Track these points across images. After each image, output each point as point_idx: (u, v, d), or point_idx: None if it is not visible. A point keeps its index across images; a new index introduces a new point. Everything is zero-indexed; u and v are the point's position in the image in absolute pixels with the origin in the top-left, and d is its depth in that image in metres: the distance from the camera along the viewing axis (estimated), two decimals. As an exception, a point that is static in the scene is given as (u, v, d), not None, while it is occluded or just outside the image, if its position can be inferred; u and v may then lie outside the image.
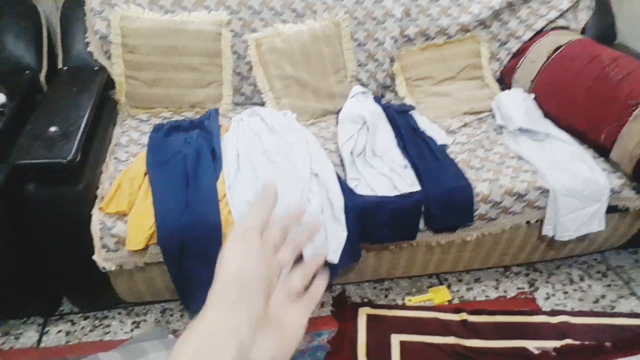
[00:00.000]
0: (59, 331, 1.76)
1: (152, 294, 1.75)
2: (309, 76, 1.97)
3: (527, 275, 2.03)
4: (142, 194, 1.57)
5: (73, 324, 1.78)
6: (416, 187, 1.64)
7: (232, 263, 0.41)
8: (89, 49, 1.90)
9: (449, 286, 1.97)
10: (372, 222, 1.61)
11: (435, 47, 2.12)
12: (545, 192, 1.70)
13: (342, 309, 1.84)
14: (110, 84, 1.91)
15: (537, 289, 1.98)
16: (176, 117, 1.93)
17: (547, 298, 1.94)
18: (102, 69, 1.90)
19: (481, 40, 2.15)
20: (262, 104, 2.01)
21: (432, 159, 1.74)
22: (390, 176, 1.67)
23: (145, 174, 1.63)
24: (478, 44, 2.15)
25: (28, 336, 1.74)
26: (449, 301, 1.90)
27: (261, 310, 0.40)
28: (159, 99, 1.92)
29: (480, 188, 1.67)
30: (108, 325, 1.78)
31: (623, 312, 1.91)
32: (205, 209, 1.53)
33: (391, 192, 1.62)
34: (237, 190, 1.58)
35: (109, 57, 1.89)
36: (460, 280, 1.99)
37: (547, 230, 1.77)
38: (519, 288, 1.97)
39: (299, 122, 1.92)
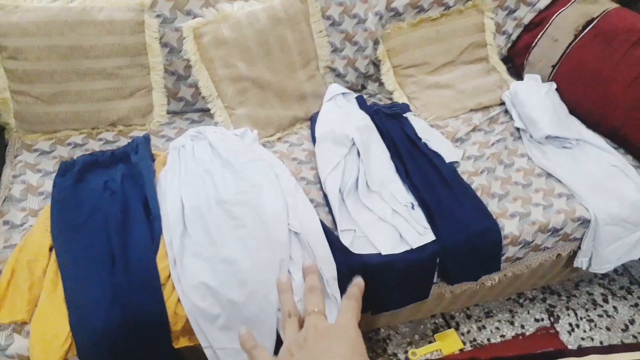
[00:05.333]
0: None
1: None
2: (271, 74, 1.46)
3: (543, 300, 1.71)
4: (48, 285, 1.08)
5: None
6: (430, 235, 1.23)
7: None
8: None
9: (457, 326, 1.62)
10: (375, 289, 1.20)
11: (430, 21, 1.64)
12: (585, 222, 1.33)
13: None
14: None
15: (557, 318, 1.66)
16: (92, 143, 1.40)
17: (571, 330, 1.63)
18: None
19: (485, 9, 1.68)
20: (208, 111, 1.49)
21: (443, 189, 1.32)
22: (395, 222, 1.24)
23: (51, 249, 1.13)
24: (482, 14, 1.68)
25: None
26: (461, 350, 1.56)
27: None
28: (64, 119, 1.37)
29: (509, 228, 1.28)
30: None
31: (660, 344, 1.64)
32: (142, 300, 1.07)
33: (399, 247, 1.20)
34: (186, 267, 1.11)
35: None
36: (469, 317, 1.65)
37: (581, 262, 1.43)
38: (537, 320, 1.65)
39: (262, 141, 1.43)
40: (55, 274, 1.09)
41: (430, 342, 1.57)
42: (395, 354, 1.54)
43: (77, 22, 1.28)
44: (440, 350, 1.55)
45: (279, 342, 1.13)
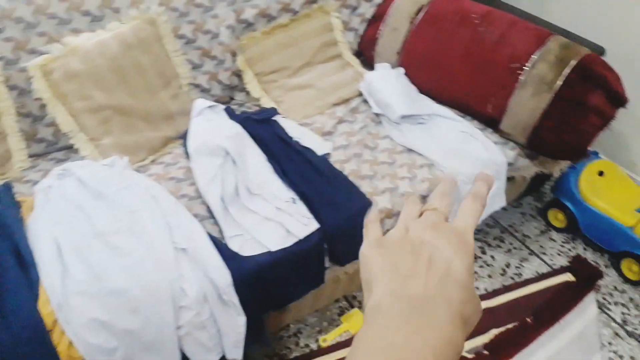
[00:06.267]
0: None
1: None
2: (132, 99, 1.45)
3: (433, 264, 1.87)
4: None
5: None
6: (314, 224, 1.30)
7: None
8: None
9: (359, 305, 1.72)
10: (273, 286, 1.25)
11: (281, 27, 1.72)
12: (447, 185, 1.49)
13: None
14: None
15: (447, 277, 1.83)
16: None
17: (460, 285, 1.80)
18: None
19: (330, 10, 1.80)
20: (73, 147, 1.44)
21: (319, 179, 1.40)
22: (280, 219, 1.30)
23: None
24: (328, 14, 1.80)
25: None
26: (368, 326, 1.65)
27: None
28: None
29: (382, 203, 1.39)
30: None
31: (531, 278, 1.87)
32: (30, 350, 1.02)
33: (287, 241, 1.26)
34: (73, 307, 1.08)
35: None
36: (370, 294, 1.75)
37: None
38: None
39: (134, 167, 1.42)
40: None
41: (337, 325, 1.65)
42: (307, 345, 1.60)
43: None
44: (348, 330, 1.64)
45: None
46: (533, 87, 1.46)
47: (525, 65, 1.46)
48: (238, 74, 1.71)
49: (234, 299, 1.15)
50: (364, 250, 0.37)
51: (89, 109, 1.39)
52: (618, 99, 1.44)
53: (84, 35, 1.39)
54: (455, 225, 0.37)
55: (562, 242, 2.05)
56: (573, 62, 1.42)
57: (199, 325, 1.12)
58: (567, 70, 1.42)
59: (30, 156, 1.44)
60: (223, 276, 1.16)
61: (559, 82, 1.41)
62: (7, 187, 1.27)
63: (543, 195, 2.25)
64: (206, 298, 1.14)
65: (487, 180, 0.41)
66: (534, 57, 1.46)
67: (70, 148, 1.47)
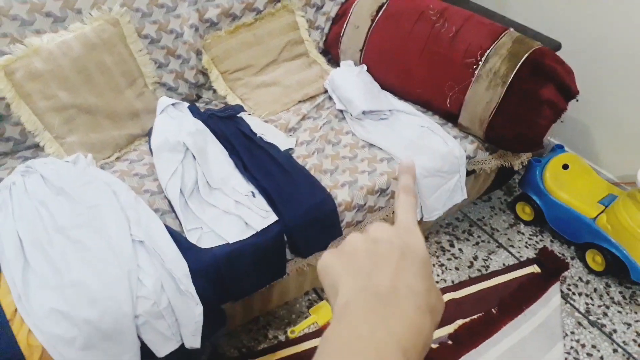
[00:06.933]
0: None
1: None
2: (96, 98, 1.48)
3: (401, 257, 1.91)
4: None
5: None
6: (272, 217, 1.34)
7: None
8: None
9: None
10: (231, 277, 1.28)
11: (246, 27, 1.76)
12: (407, 178, 1.53)
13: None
14: None
15: (414, 269, 1.86)
16: None
17: (426, 277, 1.84)
18: None
19: (295, 9, 1.84)
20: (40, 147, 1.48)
21: (280, 174, 1.44)
22: (238, 212, 1.33)
23: None
24: (292, 13, 1.84)
25: None
26: (334, 317, 1.69)
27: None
28: None
29: (341, 196, 1.43)
30: None
31: (497, 270, 1.91)
32: (-10, 342, 1.05)
33: (245, 233, 1.29)
34: (33, 298, 1.11)
35: None
36: (338, 287, 1.79)
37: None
38: (397, 275, 1.84)
39: (99, 164, 1.45)
40: None
41: (306, 317, 1.68)
42: (276, 337, 1.63)
43: None
44: (315, 322, 1.67)
45: (143, 349, 1.17)
46: (487, 81, 1.50)
47: (479, 60, 1.50)
48: (204, 72, 1.75)
49: (191, 289, 1.19)
50: (324, 258, 0.38)
51: (53, 108, 1.42)
52: (569, 92, 1.49)
53: (46, 36, 1.42)
54: (400, 223, 0.38)
55: (530, 234, 2.09)
56: (525, 56, 1.47)
57: (156, 315, 1.15)
58: (519, 64, 1.46)
59: (-3, 155, 1.47)
60: (180, 267, 1.19)
61: (512, 76, 1.46)
62: (-30, 185, 1.30)
63: (512, 189, 2.29)
64: (163, 288, 1.17)
65: (409, 171, 0.42)
66: (489, 51, 1.50)
67: (38, 147, 1.50)
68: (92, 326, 1.11)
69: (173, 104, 1.57)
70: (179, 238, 1.25)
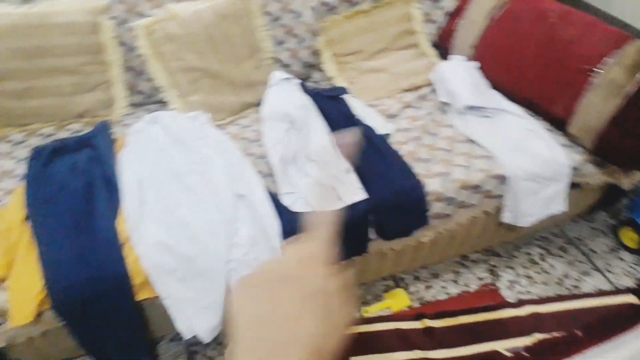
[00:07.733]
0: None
1: (66, 352, 1.41)
2: (220, 65, 1.62)
3: (486, 261, 1.87)
4: (22, 249, 1.22)
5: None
6: (361, 194, 1.39)
7: None
8: None
9: (406, 286, 1.77)
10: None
11: (362, 13, 1.82)
12: (502, 179, 1.50)
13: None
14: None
15: (498, 276, 1.82)
16: (61, 133, 1.55)
17: (511, 287, 1.79)
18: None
19: (411, 1, 1.87)
20: (166, 103, 1.65)
21: (374, 156, 1.49)
22: (331, 184, 1.40)
23: (26, 220, 1.27)
24: (409, 4, 1.87)
25: None
26: (409, 306, 1.71)
27: None
28: (34, 113, 1.52)
29: (432, 186, 1.45)
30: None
31: (589, 293, 1.80)
32: (105, 258, 1.21)
33: (335, 205, 1.35)
34: (144, 230, 1.26)
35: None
36: (417, 278, 1.80)
37: (507, 217, 1.60)
38: (480, 278, 1.81)
39: (214, 124, 1.59)
40: (28, 240, 1.23)
41: (381, 301, 1.72)
42: (348, 313, 1.68)
43: (40, 25, 1.44)
44: (389, 307, 1.70)
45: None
46: (604, 90, 1.43)
47: (597, 68, 1.43)
48: (317, 54, 1.83)
49: (280, 247, 1.27)
50: (234, 298, 0.38)
51: (182, 69, 1.58)
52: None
53: (183, 4, 1.59)
54: (313, 251, 0.40)
55: (633, 263, 1.95)
56: (650, 68, 1.38)
57: (246, 264, 1.26)
58: (639, 76, 1.38)
59: (130, 105, 1.66)
60: (273, 225, 1.28)
61: (631, 87, 1.38)
62: (107, 125, 1.50)
63: (619, 212, 2.14)
64: (256, 241, 1.27)
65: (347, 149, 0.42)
66: (609, 59, 1.43)
67: (163, 103, 1.68)
68: (190, 262, 1.23)
69: (285, 78, 1.67)
70: (275, 199, 1.34)
